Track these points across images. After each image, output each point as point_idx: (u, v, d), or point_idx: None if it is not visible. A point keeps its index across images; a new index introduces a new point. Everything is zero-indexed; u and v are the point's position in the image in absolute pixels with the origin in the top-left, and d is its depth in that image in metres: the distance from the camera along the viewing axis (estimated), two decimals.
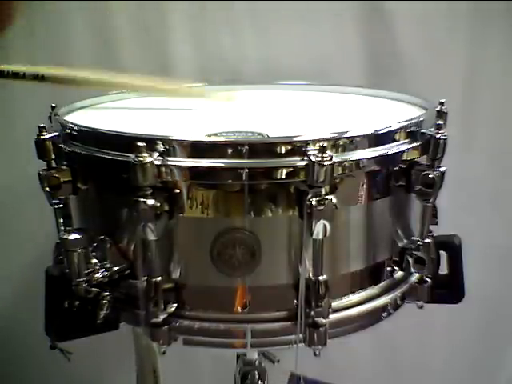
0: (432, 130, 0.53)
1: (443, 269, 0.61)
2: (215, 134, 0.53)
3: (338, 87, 0.80)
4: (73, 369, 0.72)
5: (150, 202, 0.45)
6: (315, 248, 0.48)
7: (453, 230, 0.61)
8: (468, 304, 0.63)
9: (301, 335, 0.50)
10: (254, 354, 0.70)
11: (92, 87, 0.67)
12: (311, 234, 0.46)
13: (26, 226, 0.94)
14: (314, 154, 0.45)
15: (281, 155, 0.46)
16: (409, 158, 0.52)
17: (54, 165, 0.56)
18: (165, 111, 0.70)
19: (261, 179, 0.47)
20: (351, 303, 0.54)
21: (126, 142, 0.46)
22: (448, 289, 0.61)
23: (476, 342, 1.13)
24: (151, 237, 0.47)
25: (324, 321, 0.49)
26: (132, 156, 0.45)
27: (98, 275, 0.51)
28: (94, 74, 0.64)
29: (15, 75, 0.58)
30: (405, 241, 0.57)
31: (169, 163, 0.46)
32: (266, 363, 0.71)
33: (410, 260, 0.56)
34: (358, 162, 0.48)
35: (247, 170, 0.45)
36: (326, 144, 0.45)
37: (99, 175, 0.54)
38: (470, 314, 1.05)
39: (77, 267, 0.51)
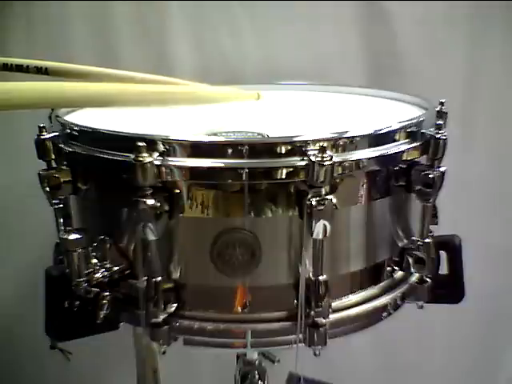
0: (432, 130, 0.53)
1: (443, 269, 0.61)
2: (215, 134, 0.53)
3: (338, 87, 0.80)
4: (73, 369, 0.72)
5: (150, 201, 0.45)
6: (315, 248, 0.48)
7: (453, 230, 0.61)
8: (468, 304, 0.63)
9: (301, 335, 0.50)
10: (254, 354, 0.70)
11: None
12: (311, 234, 0.46)
13: (26, 226, 0.94)
14: (314, 154, 0.45)
15: (281, 155, 0.46)
16: (409, 158, 0.52)
17: (54, 165, 0.56)
18: (165, 111, 0.69)
19: (261, 179, 0.47)
20: (351, 303, 0.54)
21: (126, 142, 0.46)
22: (448, 289, 0.61)
23: (476, 342, 1.13)
24: (151, 237, 0.47)
25: (324, 321, 0.49)
26: (132, 156, 0.45)
27: (98, 275, 0.51)
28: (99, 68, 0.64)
29: (18, 68, 0.58)
30: (405, 241, 0.57)
31: (169, 163, 0.46)
32: (266, 363, 0.71)
33: (410, 260, 0.56)
34: (358, 161, 0.48)
35: (247, 170, 0.45)
36: (326, 144, 0.45)
37: (99, 175, 0.54)
38: (470, 314, 1.05)
39: (77, 267, 0.51)
